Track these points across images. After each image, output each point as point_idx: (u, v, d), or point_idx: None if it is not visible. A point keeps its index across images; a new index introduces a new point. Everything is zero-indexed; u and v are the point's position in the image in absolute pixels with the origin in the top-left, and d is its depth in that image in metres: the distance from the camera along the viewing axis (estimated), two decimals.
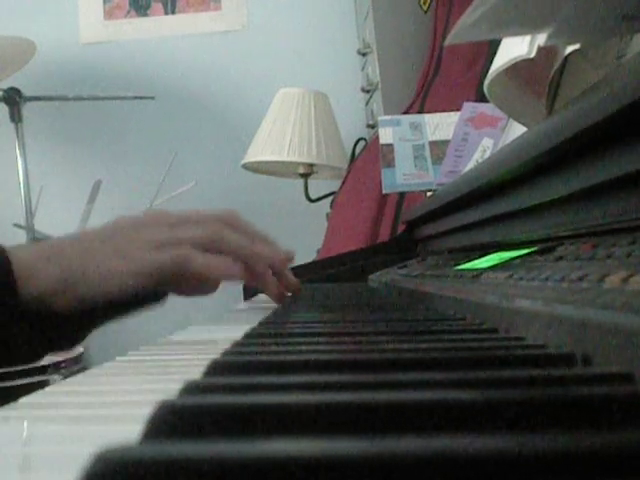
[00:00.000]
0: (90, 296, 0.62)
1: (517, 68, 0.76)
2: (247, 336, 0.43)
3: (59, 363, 1.63)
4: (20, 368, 1.45)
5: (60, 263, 0.62)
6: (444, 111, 1.45)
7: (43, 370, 1.56)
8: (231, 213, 0.70)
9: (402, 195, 1.76)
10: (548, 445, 0.15)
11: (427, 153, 1.38)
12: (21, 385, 1.41)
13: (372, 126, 2.25)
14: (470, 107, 1.33)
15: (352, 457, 0.15)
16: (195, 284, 0.67)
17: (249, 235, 0.69)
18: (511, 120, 1.11)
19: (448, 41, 0.60)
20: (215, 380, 0.27)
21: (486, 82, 0.82)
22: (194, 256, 0.63)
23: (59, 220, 2.41)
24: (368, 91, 2.39)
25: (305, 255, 2.09)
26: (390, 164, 1.38)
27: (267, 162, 2.39)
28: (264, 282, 0.72)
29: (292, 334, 0.45)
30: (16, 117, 2.27)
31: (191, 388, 0.24)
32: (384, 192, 1.43)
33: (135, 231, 0.65)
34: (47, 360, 1.60)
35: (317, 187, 2.44)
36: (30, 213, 2.26)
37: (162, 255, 0.63)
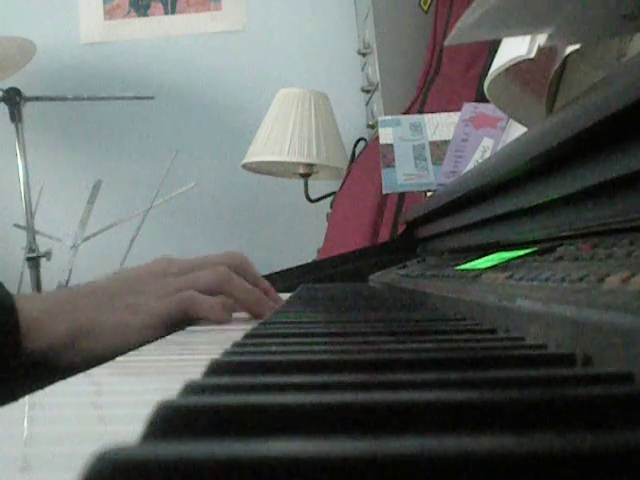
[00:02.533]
0: (99, 350, 0.62)
1: (517, 68, 0.76)
2: (247, 336, 0.43)
3: None
4: None
5: (69, 318, 0.62)
6: (444, 111, 1.45)
7: None
8: (237, 257, 0.71)
9: (402, 195, 1.76)
10: (548, 445, 0.15)
11: (427, 153, 1.38)
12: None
13: (372, 126, 2.25)
14: (470, 107, 1.33)
15: (352, 457, 0.15)
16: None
17: (254, 280, 0.70)
18: (511, 120, 1.11)
19: (448, 41, 0.60)
20: (215, 380, 0.27)
21: (486, 82, 0.82)
22: (200, 300, 0.64)
23: (59, 220, 2.41)
24: (368, 91, 2.39)
25: (305, 255, 2.09)
26: (390, 164, 1.38)
27: (267, 162, 2.39)
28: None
29: (292, 334, 0.45)
30: (16, 117, 2.27)
31: (191, 388, 0.24)
32: (384, 192, 1.43)
33: (142, 283, 0.66)
34: None
35: (317, 187, 2.44)
36: (30, 213, 2.26)
37: (169, 303, 0.64)
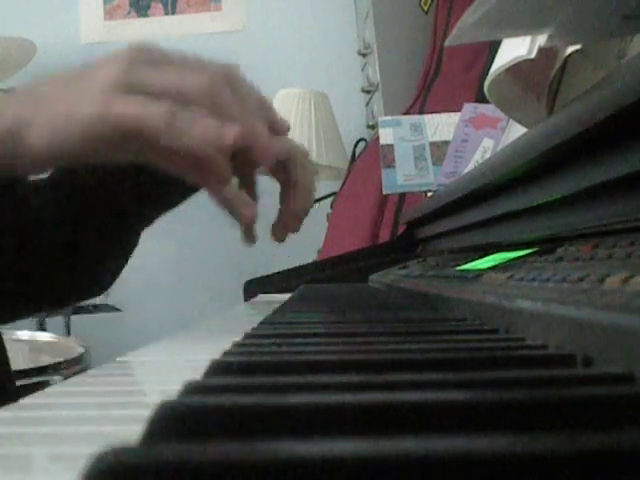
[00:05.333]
0: (42, 144, 0.48)
1: (517, 69, 0.76)
2: (248, 336, 0.43)
3: (59, 364, 1.63)
4: (20, 368, 1.45)
5: (9, 111, 0.50)
6: (444, 112, 1.45)
7: (43, 371, 1.55)
8: (233, 69, 0.52)
9: (402, 196, 1.76)
10: (549, 446, 0.15)
11: (427, 154, 1.38)
12: (21, 386, 1.41)
13: (372, 127, 2.25)
14: (470, 108, 1.33)
15: (352, 458, 0.15)
16: (173, 154, 0.47)
17: (249, 102, 0.51)
18: (511, 121, 1.11)
19: (448, 42, 0.60)
20: (215, 381, 0.27)
21: (486, 83, 0.82)
22: (184, 122, 0.45)
23: None
24: (368, 91, 2.39)
25: (305, 255, 2.09)
26: (390, 165, 1.38)
27: None
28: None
29: (292, 334, 0.45)
30: None
31: (191, 389, 0.24)
32: (384, 193, 1.43)
33: (108, 70, 0.48)
34: (47, 361, 1.60)
35: (317, 188, 2.44)
36: None
37: (139, 109, 0.46)
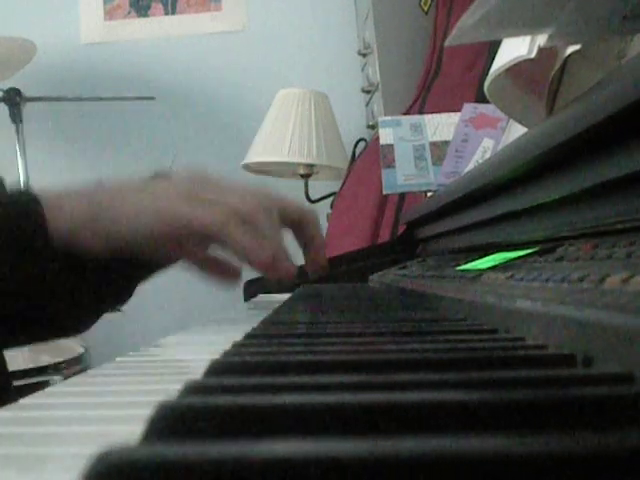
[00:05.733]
0: (116, 230, 0.59)
1: (517, 69, 0.76)
2: (248, 337, 0.43)
3: (59, 364, 1.63)
4: (20, 368, 1.45)
5: (89, 199, 0.59)
6: (444, 112, 1.45)
7: (43, 371, 1.56)
8: (266, 194, 0.64)
9: (402, 196, 1.76)
10: (549, 446, 0.15)
11: (427, 154, 1.38)
12: (21, 386, 1.41)
13: (372, 127, 2.25)
14: (470, 108, 1.33)
15: (353, 458, 0.15)
16: (217, 266, 0.64)
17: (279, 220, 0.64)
18: (511, 121, 1.11)
19: (448, 42, 0.60)
20: (215, 381, 0.27)
21: (486, 83, 0.82)
22: (233, 225, 0.58)
23: None
24: (368, 92, 2.39)
25: None
26: (390, 165, 1.38)
27: (267, 163, 2.39)
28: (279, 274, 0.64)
29: (292, 335, 0.45)
30: (16, 117, 2.27)
31: (191, 389, 0.24)
32: (384, 193, 1.43)
33: (172, 184, 0.61)
34: (47, 361, 1.60)
35: (317, 188, 2.44)
36: None
37: (197, 210, 0.58)
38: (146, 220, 0.59)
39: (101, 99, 2.44)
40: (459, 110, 1.35)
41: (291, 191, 2.52)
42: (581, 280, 0.36)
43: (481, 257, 0.72)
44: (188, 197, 0.60)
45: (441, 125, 1.41)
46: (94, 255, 0.60)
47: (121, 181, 0.63)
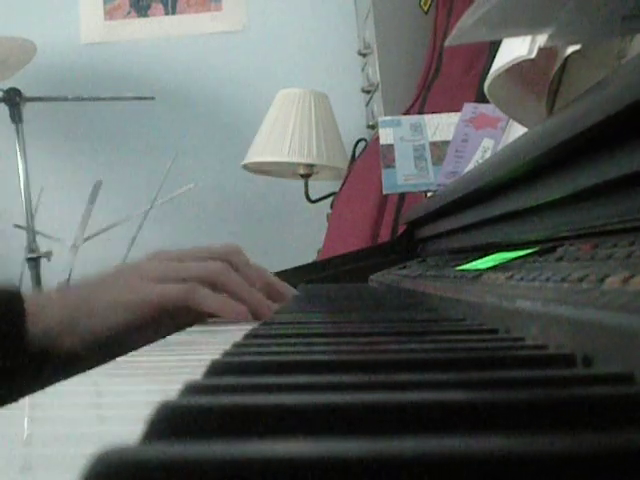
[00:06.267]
0: (98, 329, 0.62)
1: (518, 69, 0.76)
2: (248, 337, 0.43)
3: None
4: None
5: (68, 300, 0.64)
6: (444, 112, 1.45)
7: None
8: (233, 250, 0.69)
9: (402, 196, 1.76)
10: (549, 446, 0.15)
11: (427, 154, 1.38)
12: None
13: (372, 127, 2.25)
14: (470, 108, 1.33)
15: (353, 458, 0.15)
16: (194, 321, 0.67)
17: (251, 275, 0.68)
18: (511, 121, 1.11)
19: (448, 42, 0.60)
20: (216, 381, 0.27)
21: (486, 83, 0.82)
22: (202, 292, 0.63)
23: (59, 220, 2.41)
24: (368, 92, 2.39)
25: (305, 256, 2.09)
26: (390, 165, 1.38)
27: (267, 163, 2.39)
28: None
29: (293, 335, 0.45)
30: (16, 117, 2.27)
31: (191, 389, 0.24)
32: (384, 193, 1.43)
33: (138, 269, 0.66)
34: None
35: (317, 188, 2.44)
36: (30, 213, 2.26)
37: (168, 287, 0.63)
38: (123, 311, 0.63)
39: (101, 99, 2.44)
40: (459, 110, 1.35)
41: (291, 191, 2.52)
42: (581, 280, 0.36)
43: (481, 257, 0.72)
44: (154, 278, 0.64)
45: (441, 125, 1.41)
46: (72, 353, 0.62)
47: (91, 277, 0.67)
